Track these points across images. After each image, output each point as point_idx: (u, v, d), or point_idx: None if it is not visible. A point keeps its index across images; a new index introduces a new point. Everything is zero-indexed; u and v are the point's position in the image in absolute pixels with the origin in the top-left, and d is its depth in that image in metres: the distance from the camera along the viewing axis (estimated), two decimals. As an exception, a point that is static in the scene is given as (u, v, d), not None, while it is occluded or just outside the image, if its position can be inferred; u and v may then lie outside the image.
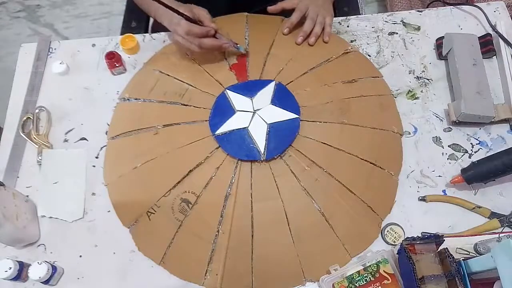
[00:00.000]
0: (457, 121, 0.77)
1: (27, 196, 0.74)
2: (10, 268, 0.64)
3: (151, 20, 1.06)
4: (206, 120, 0.75)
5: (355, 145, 0.73)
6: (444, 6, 0.93)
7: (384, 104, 0.80)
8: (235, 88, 0.77)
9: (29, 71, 0.86)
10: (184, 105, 0.78)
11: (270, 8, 0.85)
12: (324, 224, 0.69)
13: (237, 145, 0.72)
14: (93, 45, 0.89)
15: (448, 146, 0.77)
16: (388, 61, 0.86)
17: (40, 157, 0.77)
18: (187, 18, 0.73)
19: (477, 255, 0.65)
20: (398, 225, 0.70)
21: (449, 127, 0.79)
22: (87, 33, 1.86)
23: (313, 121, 0.75)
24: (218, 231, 0.68)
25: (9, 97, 0.84)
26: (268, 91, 0.77)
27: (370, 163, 0.73)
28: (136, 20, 1.03)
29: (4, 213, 0.64)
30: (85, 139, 0.80)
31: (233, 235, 0.68)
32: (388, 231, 0.70)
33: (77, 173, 0.76)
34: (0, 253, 0.70)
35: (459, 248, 0.67)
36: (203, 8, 0.77)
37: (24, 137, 0.79)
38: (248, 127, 0.73)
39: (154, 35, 0.90)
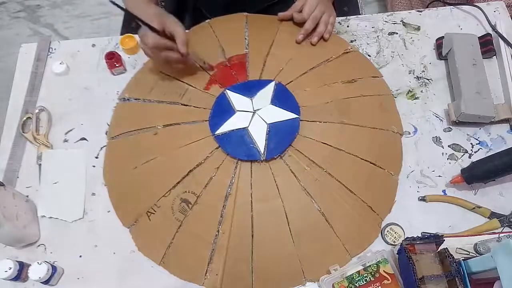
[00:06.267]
0: (457, 121, 0.77)
1: (27, 196, 0.74)
2: (10, 268, 0.64)
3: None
4: (206, 120, 0.75)
5: (355, 145, 0.73)
6: (444, 6, 0.93)
7: (384, 104, 0.80)
8: (235, 88, 0.77)
9: (29, 71, 0.86)
10: (184, 105, 0.78)
11: (281, 15, 0.85)
12: (324, 224, 0.69)
13: (237, 145, 0.71)
14: (93, 45, 0.89)
15: (448, 146, 0.77)
16: (388, 61, 0.86)
17: (40, 157, 0.77)
18: (155, 31, 0.69)
19: (477, 255, 0.65)
20: (398, 225, 0.70)
21: (449, 127, 0.79)
22: (87, 33, 1.86)
23: (313, 121, 0.75)
24: (218, 231, 0.68)
25: (9, 97, 0.84)
26: (268, 91, 0.76)
27: (370, 163, 0.73)
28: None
29: (4, 213, 0.64)
30: (85, 139, 0.80)
31: (233, 235, 0.68)
32: (388, 231, 0.70)
33: (77, 173, 0.76)
34: (0, 253, 0.70)
35: (459, 248, 0.67)
36: (180, 25, 0.72)
37: (24, 137, 0.79)
38: (248, 127, 0.73)
39: (154, 35, 0.90)
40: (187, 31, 0.87)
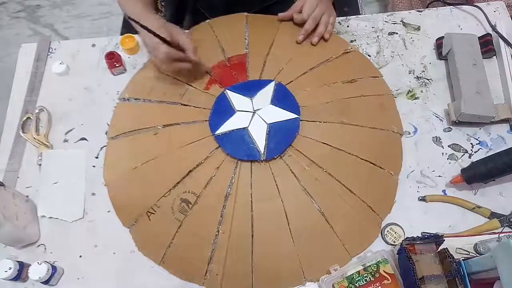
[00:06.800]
0: (457, 121, 0.77)
1: (27, 196, 0.74)
2: (10, 268, 0.64)
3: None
4: (206, 120, 0.75)
5: (355, 145, 0.74)
6: (444, 6, 0.93)
7: (384, 104, 0.80)
8: (235, 88, 0.77)
9: (29, 71, 0.86)
10: (184, 105, 0.78)
11: (281, 15, 0.86)
12: (324, 224, 0.69)
13: (237, 145, 0.72)
14: (93, 45, 0.89)
15: (448, 146, 0.77)
16: (388, 61, 0.86)
17: (40, 158, 0.77)
18: (166, 42, 0.71)
19: (477, 255, 0.65)
20: (398, 225, 0.70)
21: (449, 127, 0.79)
22: (87, 33, 1.86)
23: (313, 121, 0.75)
24: (218, 231, 0.68)
25: (9, 97, 0.84)
26: (268, 91, 0.77)
27: (370, 163, 0.73)
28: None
29: (4, 213, 0.64)
30: (85, 139, 0.80)
31: (233, 235, 0.68)
32: (388, 231, 0.70)
33: (77, 173, 0.76)
34: (0, 253, 0.70)
35: (459, 248, 0.67)
36: (183, 32, 0.76)
37: (24, 137, 0.79)
38: (248, 127, 0.73)
39: (154, 35, 0.90)
40: (187, 31, 0.87)
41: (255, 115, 0.75)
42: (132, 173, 0.74)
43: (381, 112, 0.79)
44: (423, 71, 0.85)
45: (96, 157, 0.78)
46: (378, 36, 0.89)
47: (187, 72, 0.78)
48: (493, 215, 0.70)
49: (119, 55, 0.84)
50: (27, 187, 0.76)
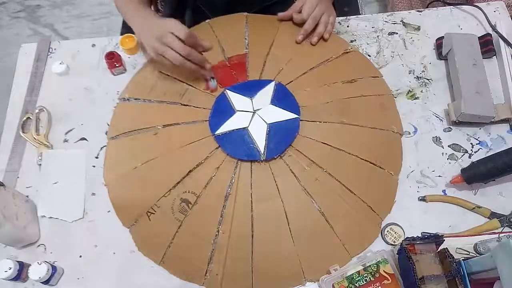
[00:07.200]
0: (457, 121, 0.77)
1: (27, 196, 0.74)
2: (10, 268, 0.64)
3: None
4: (206, 120, 0.75)
5: (355, 145, 0.74)
6: (444, 6, 0.93)
7: (384, 104, 0.80)
8: (235, 88, 0.77)
9: (29, 71, 0.86)
10: (184, 105, 0.78)
11: (280, 15, 0.86)
12: (324, 224, 0.69)
13: (237, 145, 0.72)
14: (93, 45, 0.89)
15: (448, 146, 0.77)
16: (388, 61, 0.86)
17: (40, 158, 0.77)
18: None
19: (477, 255, 0.65)
20: (398, 225, 0.70)
21: (449, 127, 0.79)
22: (87, 33, 1.86)
23: (313, 121, 0.75)
24: (218, 231, 0.68)
25: (9, 97, 0.84)
26: (268, 91, 0.77)
27: (370, 163, 0.73)
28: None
29: (4, 213, 0.64)
30: (85, 139, 0.80)
31: (233, 235, 0.68)
32: (388, 231, 0.70)
33: (77, 173, 0.76)
34: (0, 253, 0.70)
35: (459, 248, 0.67)
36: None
37: (24, 137, 0.79)
38: (248, 127, 0.73)
39: (154, 35, 0.90)
40: None
41: (255, 115, 0.75)
42: (132, 173, 0.74)
43: (381, 112, 0.79)
44: (423, 71, 0.85)
45: (96, 157, 0.78)
46: (378, 36, 0.89)
47: (188, 72, 0.77)
48: (493, 215, 0.70)
49: (119, 55, 0.84)
50: (27, 187, 0.76)
